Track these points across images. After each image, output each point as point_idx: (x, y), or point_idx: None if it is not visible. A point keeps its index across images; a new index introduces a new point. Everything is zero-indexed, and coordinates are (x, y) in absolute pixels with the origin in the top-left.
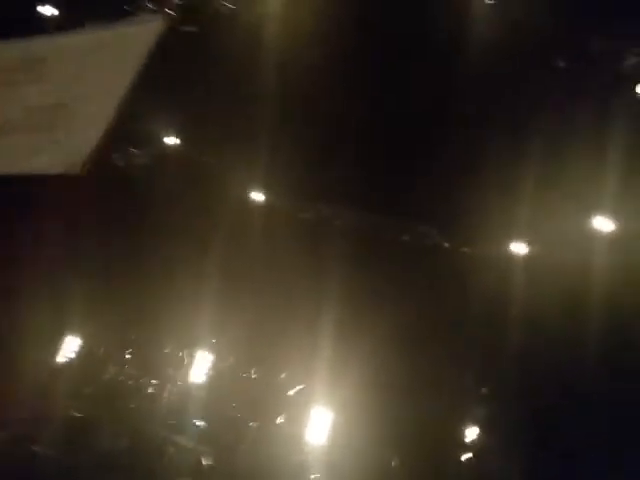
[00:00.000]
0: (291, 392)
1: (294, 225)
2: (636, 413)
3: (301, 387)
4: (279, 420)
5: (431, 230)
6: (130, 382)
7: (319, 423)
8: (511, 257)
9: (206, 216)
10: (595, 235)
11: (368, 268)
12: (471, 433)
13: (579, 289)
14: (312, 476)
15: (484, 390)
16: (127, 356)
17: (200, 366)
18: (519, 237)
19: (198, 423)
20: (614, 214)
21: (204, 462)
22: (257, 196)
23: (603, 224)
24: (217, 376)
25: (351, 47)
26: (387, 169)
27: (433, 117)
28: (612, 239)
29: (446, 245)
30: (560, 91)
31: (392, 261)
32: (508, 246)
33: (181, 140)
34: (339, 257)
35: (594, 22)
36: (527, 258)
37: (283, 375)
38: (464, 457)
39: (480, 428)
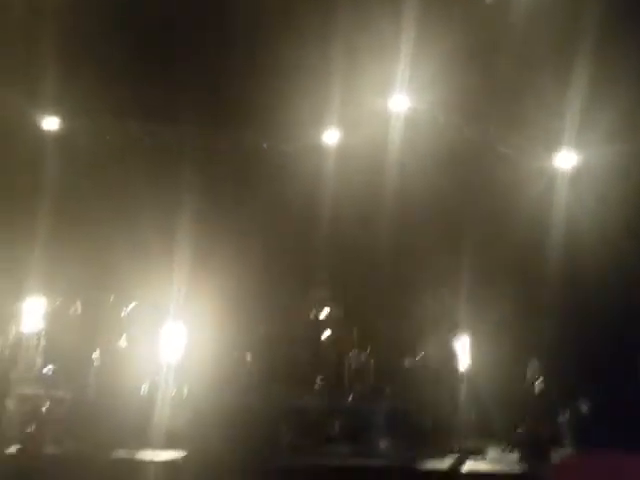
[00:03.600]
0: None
1: (102, 148)
2: None
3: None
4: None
5: (248, 134)
6: None
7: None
8: (325, 147)
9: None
10: (391, 116)
11: (194, 179)
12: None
13: (381, 170)
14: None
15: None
16: None
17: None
18: (331, 127)
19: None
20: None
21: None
22: (53, 123)
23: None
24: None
25: None
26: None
27: None
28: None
29: (264, 146)
30: None
31: (216, 169)
32: (322, 137)
33: None
34: (159, 175)
35: None
36: (339, 146)
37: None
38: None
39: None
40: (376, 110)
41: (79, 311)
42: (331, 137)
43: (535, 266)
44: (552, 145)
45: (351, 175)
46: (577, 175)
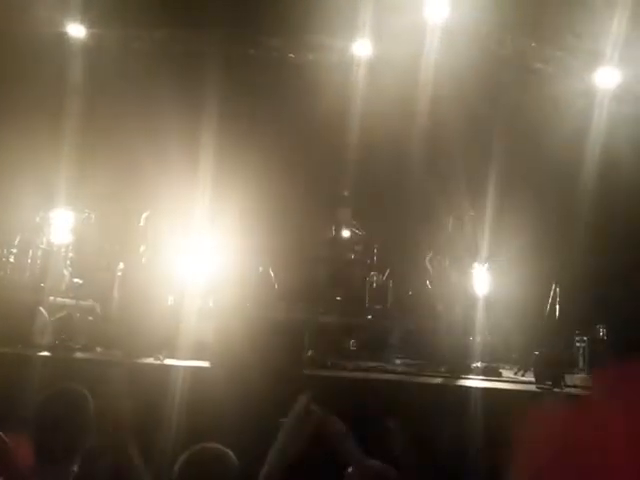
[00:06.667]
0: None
1: (127, 55)
2: None
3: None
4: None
5: (275, 41)
6: None
7: None
8: (355, 59)
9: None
10: (428, 28)
11: (220, 88)
12: None
13: (415, 83)
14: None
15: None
16: None
17: (61, 225)
18: (361, 37)
19: (76, 280)
20: None
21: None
22: (79, 30)
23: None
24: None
25: None
26: None
27: None
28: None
29: (291, 55)
30: None
31: (244, 77)
32: (351, 47)
33: None
34: (185, 83)
35: None
36: (370, 58)
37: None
38: None
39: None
40: (411, 20)
41: (104, 223)
42: (361, 48)
43: (565, 192)
44: (594, 61)
45: (381, 90)
46: (619, 95)
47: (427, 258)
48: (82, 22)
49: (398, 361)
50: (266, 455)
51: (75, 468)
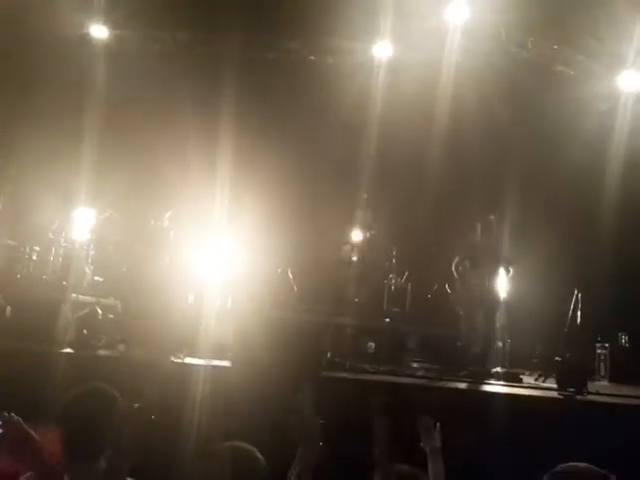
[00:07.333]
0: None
1: (149, 57)
2: None
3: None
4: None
5: (295, 44)
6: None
7: None
8: (376, 60)
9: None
10: (449, 30)
11: (239, 90)
12: None
13: (435, 85)
14: None
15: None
16: None
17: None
18: (382, 39)
19: (97, 278)
20: None
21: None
22: (101, 31)
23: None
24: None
25: None
26: None
27: None
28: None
29: (312, 58)
30: None
31: (261, 79)
32: (371, 50)
33: None
34: (206, 83)
35: None
36: (390, 60)
37: (168, 214)
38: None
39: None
40: (432, 22)
41: (125, 222)
42: (382, 50)
43: (589, 198)
44: (617, 65)
45: (402, 92)
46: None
47: (454, 262)
48: (105, 23)
49: (416, 365)
50: (285, 453)
51: (103, 466)
